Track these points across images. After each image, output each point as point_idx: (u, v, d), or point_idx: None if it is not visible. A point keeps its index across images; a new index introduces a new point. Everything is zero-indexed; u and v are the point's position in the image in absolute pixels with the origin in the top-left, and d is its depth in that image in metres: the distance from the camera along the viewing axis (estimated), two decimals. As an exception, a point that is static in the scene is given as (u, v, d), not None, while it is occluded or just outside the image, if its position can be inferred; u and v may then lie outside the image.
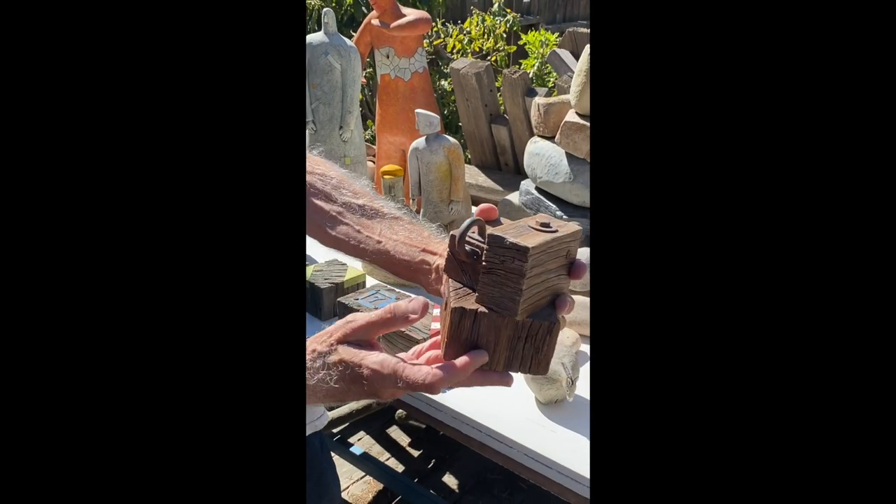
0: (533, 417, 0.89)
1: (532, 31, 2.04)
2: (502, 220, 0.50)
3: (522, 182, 1.27)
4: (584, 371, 0.96)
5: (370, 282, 1.20)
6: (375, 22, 1.49)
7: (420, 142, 1.34)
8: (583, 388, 0.91)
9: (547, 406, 0.91)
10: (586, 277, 1.06)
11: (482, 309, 0.47)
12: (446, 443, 1.93)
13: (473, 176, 1.65)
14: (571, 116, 1.09)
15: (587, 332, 1.03)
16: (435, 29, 2.24)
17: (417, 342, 0.91)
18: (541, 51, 1.95)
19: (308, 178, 0.63)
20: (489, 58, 2.19)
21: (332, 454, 1.71)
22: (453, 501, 1.75)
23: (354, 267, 1.19)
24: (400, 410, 1.97)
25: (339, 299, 1.13)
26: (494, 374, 0.50)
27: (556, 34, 1.98)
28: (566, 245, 0.49)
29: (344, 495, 1.78)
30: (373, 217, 0.62)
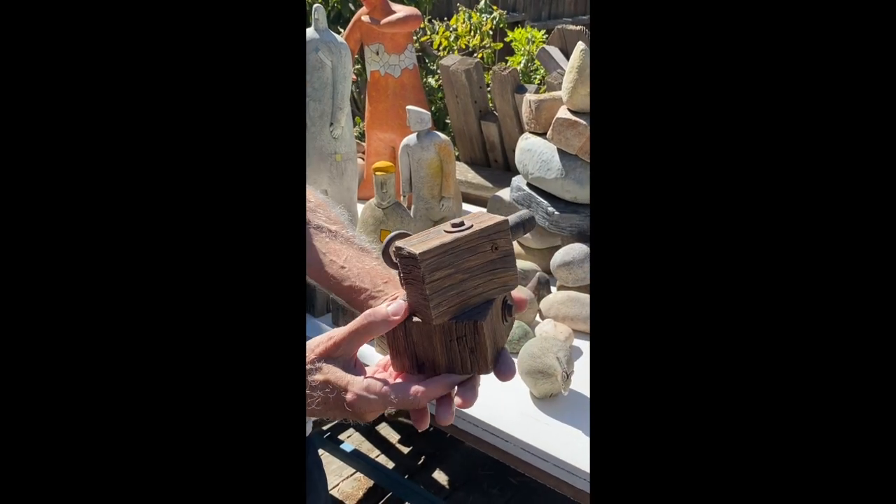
0: (528, 412, 0.90)
1: (518, 28, 2.04)
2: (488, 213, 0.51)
3: (514, 178, 1.27)
4: (579, 365, 0.97)
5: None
6: (365, 18, 1.49)
7: (411, 138, 1.34)
8: (577, 383, 0.92)
9: (542, 400, 0.92)
10: (583, 273, 1.07)
11: (412, 319, 0.49)
12: (436, 439, 1.93)
13: (463, 173, 1.66)
14: (563, 113, 1.10)
15: (580, 326, 1.04)
16: (421, 26, 2.23)
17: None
18: (527, 48, 1.95)
19: None
20: (475, 55, 2.19)
21: (323, 451, 1.71)
22: (444, 497, 1.75)
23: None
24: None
25: (331, 295, 1.12)
26: (453, 375, 0.49)
27: (543, 31, 1.98)
28: (486, 240, 0.48)
29: (334, 492, 1.77)
30: (342, 244, 0.61)
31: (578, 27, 1.54)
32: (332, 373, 0.48)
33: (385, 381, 0.48)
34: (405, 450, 1.94)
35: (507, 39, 1.95)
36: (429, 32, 2.17)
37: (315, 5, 1.28)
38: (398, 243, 0.48)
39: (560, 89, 1.29)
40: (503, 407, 0.91)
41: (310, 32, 1.29)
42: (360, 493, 1.78)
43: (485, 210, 1.50)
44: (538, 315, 1.09)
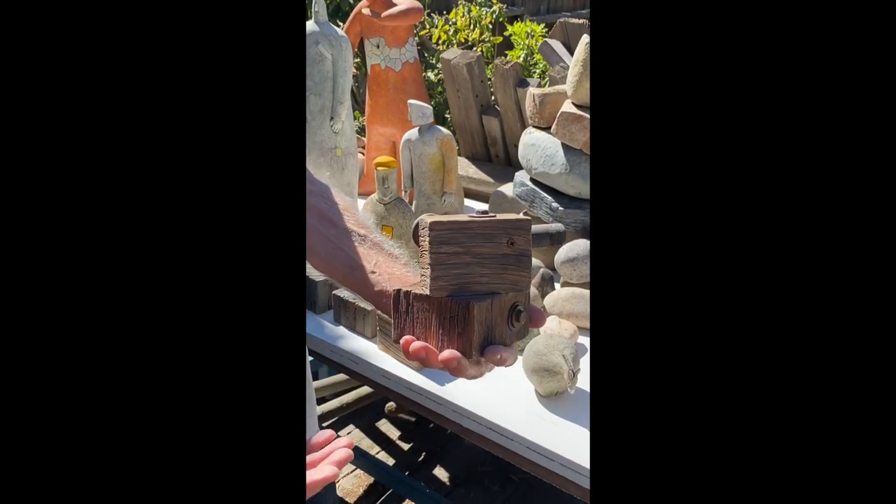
0: (534, 410, 0.89)
1: (517, 22, 2.02)
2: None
3: (517, 173, 1.26)
4: (584, 363, 0.96)
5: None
6: (366, 11, 1.47)
7: (412, 133, 1.33)
8: (583, 381, 0.91)
9: (548, 398, 0.91)
10: (587, 269, 1.05)
11: (415, 290, 0.50)
12: (437, 435, 1.93)
13: (464, 168, 1.65)
14: (568, 107, 1.09)
15: (585, 323, 1.03)
16: (420, 20, 2.22)
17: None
18: (526, 42, 1.94)
19: (310, 199, 0.61)
20: (475, 49, 2.17)
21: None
22: (445, 494, 1.74)
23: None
24: (390, 403, 1.96)
25: (334, 292, 1.11)
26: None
27: (542, 25, 1.97)
28: (502, 232, 0.49)
29: (334, 489, 1.77)
30: (370, 248, 0.61)
31: (581, 20, 1.52)
32: None
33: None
34: (405, 446, 1.93)
35: (506, 33, 1.93)
36: (428, 26, 2.15)
37: (315, -2, 1.26)
38: (422, 216, 0.50)
39: (563, 83, 1.27)
40: (509, 405, 0.90)
41: (310, 25, 1.28)
42: (361, 490, 1.77)
43: (486, 206, 1.49)
44: (542, 312, 1.08)
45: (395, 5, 1.45)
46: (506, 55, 1.86)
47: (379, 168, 1.17)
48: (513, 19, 2.43)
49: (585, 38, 1.06)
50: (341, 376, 1.81)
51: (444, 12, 2.24)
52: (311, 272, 1.12)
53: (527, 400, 0.91)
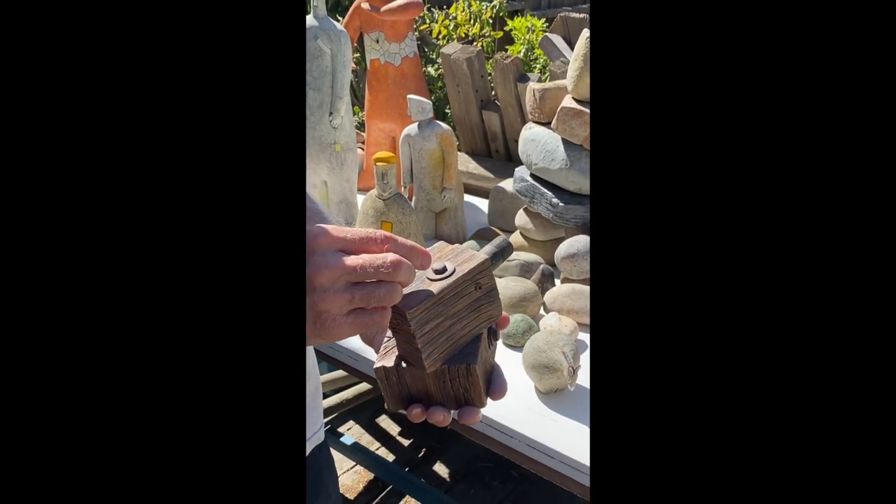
0: (534, 407, 0.89)
1: (518, 16, 2.01)
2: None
3: (517, 169, 1.25)
4: (584, 359, 0.95)
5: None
6: (365, 6, 1.46)
7: (412, 128, 1.32)
8: (583, 377, 0.90)
9: (548, 395, 0.90)
10: (588, 265, 1.05)
11: (402, 364, 0.49)
12: (437, 431, 1.92)
13: (464, 163, 1.64)
14: (568, 102, 1.08)
15: (585, 320, 1.02)
16: (420, 14, 2.21)
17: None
18: (527, 36, 1.93)
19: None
20: (475, 43, 2.16)
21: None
22: (445, 490, 1.74)
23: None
24: (389, 400, 1.96)
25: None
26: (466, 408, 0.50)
27: (543, 20, 1.96)
28: (471, 283, 0.49)
29: (334, 485, 1.77)
30: None
31: (581, 15, 1.51)
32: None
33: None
34: (405, 442, 1.93)
35: (506, 28, 1.92)
36: (428, 21, 2.14)
37: (314, -8, 1.25)
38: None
39: (564, 78, 1.27)
40: (508, 402, 0.89)
41: (309, 20, 1.27)
42: (361, 486, 1.77)
43: (486, 202, 1.48)
44: (542, 308, 1.08)
45: (394, 0, 1.44)
46: (506, 50, 1.85)
47: (378, 163, 1.16)
48: (513, 14, 2.42)
49: (586, 33, 1.05)
50: (340, 372, 1.81)
51: (444, 7, 2.23)
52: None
53: (527, 397, 0.90)
